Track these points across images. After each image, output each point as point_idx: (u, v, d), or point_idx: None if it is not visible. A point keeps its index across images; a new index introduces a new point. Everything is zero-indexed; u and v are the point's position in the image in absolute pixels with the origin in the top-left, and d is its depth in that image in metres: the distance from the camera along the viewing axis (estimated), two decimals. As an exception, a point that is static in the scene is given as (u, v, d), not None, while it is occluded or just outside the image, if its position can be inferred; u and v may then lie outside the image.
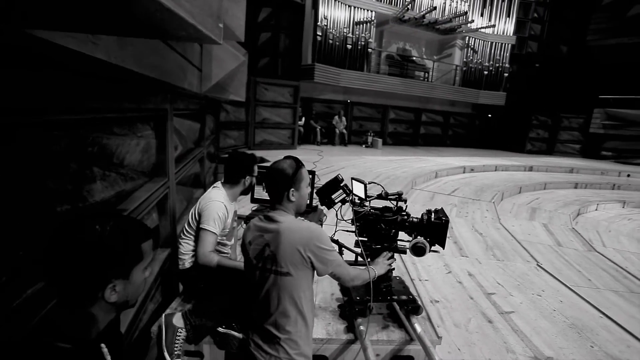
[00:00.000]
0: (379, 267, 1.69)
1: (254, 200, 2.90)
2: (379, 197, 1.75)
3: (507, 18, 13.95)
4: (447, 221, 1.61)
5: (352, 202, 1.77)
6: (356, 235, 1.73)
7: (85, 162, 1.34)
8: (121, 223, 0.79)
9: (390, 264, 1.77)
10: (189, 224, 2.09)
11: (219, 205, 1.98)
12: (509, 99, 14.08)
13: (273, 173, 1.46)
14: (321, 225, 3.20)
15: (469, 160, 9.74)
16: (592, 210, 7.28)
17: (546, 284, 3.17)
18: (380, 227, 1.72)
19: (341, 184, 1.75)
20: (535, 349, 2.19)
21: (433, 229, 1.63)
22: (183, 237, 2.05)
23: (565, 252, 4.28)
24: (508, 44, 13.93)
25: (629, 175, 10.54)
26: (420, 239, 1.63)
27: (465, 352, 2.10)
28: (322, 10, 10.60)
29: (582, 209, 6.97)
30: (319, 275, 1.41)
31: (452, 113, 14.57)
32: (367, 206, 1.76)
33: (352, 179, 1.79)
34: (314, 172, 2.99)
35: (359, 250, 1.74)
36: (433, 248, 1.66)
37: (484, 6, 13.65)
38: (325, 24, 10.74)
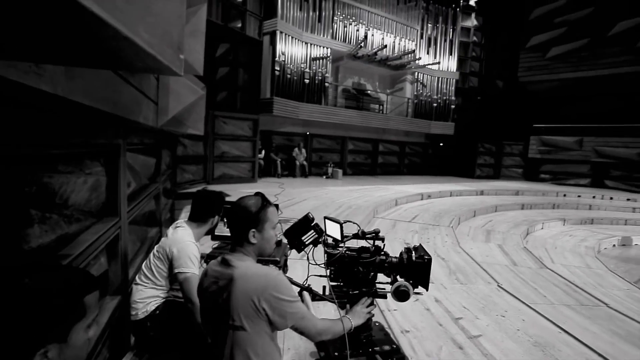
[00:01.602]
0: (356, 317, 1.50)
1: (214, 237, 2.76)
2: (355, 236, 1.60)
3: (450, 56, 15.32)
4: (430, 260, 1.50)
5: (325, 244, 1.60)
6: (329, 281, 1.58)
7: (21, 204, 1.19)
8: (58, 274, 0.66)
9: (370, 312, 1.57)
10: (149, 270, 1.93)
11: (192, 246, 1.88)
12: (457, 128, 15.17)
13: (235, 210, 1.34)
14: (285, 260, 3.10)
15: (425, 187, 10.17)
16: (538, 229, 7.81)
17: (508, 304, 3.27)
18: (358, 270, 1.56)
19: (312, 224, 1.58)
20: (506, 372, 2.21)
21: (415, 269, 1.50)
22: (140, 283, 1.87)
23: (521, 271, 4.48)
24: (452, 79, 15.20)
25: (565, 195, 11.55)
26: (402, 281, 1.49)
27: (439, 382, 2.05)
28: (279, 47, 10.95)
29: (530, 228, 7.44)
30: (277, 329, 1.26)
31: (407, 143, 15.32)
32: (341, 247, 1.58)
33: (325, 218, 1.62)
34: (277, 205, 2.93)
35: (332, 300, 1.59)
36: (416, 290, 1.52)
37: (429, 45, 14.93)
38: (283, 59, 11.07)
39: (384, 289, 1.61)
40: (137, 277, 1.96)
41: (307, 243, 1.57)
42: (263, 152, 11.00)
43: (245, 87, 10.93)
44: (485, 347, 2.46)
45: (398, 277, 1.53)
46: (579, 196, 11.55)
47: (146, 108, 2.53)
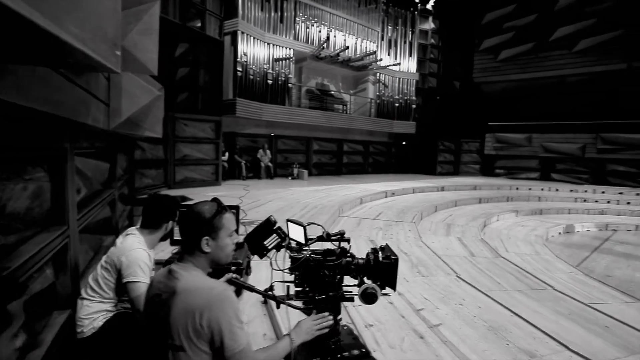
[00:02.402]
0: (301, 334, 1.37)
1: (174, 242, 2.67)
2: (320, 239, 1.53)
3: (410, 57, 15.85)
4: (396, 260, 1.46)
5: (289, 248, 1.53)
6: (294, 286, 1.52)
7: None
8: None
9: (321, 327, 1.43)
10: (96, 282, 1.83)
11: (142, 253, 1.78)
12: (419, 127, 15.72)
13: (187, 216, 1.26)
14: (249, 262, 3.06)
15: (389, 185, 10.44)
16: (494, 221, 8.26)
17: (466, 293, 3.44)
18: (324, 273, 1.48)
19: (274, 227, 1.50)
20: (463, 356, 2.33)
21: (382, 270, 1.45)
22: (86, 297, 1.77)
23: (478, 261, 4.73)
24: (413, 80, 15.74)
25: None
26: (369, 283, 1.44)
27: (401, 371, 2.12)
28: (241, 47, 10.79)
29: (487, 220, 7.86)
30: (220, 356, 1.12)
31: (371, 142, 15.64)
32: (306, 251, 1.51)
33: (288, 220, 1.55)
34: (238, 207, 2.89)
35: (299, 304, 1.53)
36: (384, 291, 1.47)
37: (389, 47, 15.35)
38: (245, 60, 10.92)
39: (351, 291, 1.55)
40: (82, 291, 1.85)
41: (269, 248, 1.50)
42: (227, 154, 10.79)
43: (207, 88, 10.66)
44: (444, 335, 2.58)
45: (365, 279, 1.48)
46: (529, 189, 12.36)
47: (96, 109, 2.40)
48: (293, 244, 1.56)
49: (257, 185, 9.68)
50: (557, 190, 12.39)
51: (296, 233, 1.51)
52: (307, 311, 1.51)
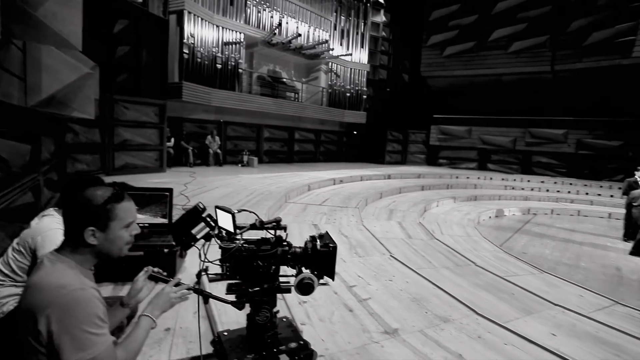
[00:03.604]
0: (156, 307, 1.26)
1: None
2: (253, 227, 1.43)
3: (362, 48, 16.14)
4: (335, 248, 1.40)
5: (219, 237, 1.42)
6: (226, 279, 1.41)
7: None
8: None
9: (180, 295, 1.33)
10: (6, 265, 1.74)
11: (60, 233, 1.71)
12: (369, 117, 16.18)
13: (72, 200, 1.10)
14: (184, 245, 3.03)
15: (338, 173, 10.71)
16: (434, 207, 8.86)
17: (397, 270, 3.72)
18: (257, 264, 1.40)
19: (203, 215, 1.39)
20: (386, 325, 2.55)
21: (320, 259, 1.40)
22: None
23: (414, 243, 5.09)
24: (364, 71, 16.08)
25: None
26: (306, 273, 1.38)
27: (328, 341, 2.28)
28: (188, 28, 10.29)
29: (427, 206, 8.41)
30: None
31: (322, 131, 15.82)
32: (238, 240, 1.41)
33: (217, 207, 1.43)
34: (171, 190, 2.85)
35: (230, 298, 1.42)
36: (322, 281, 1.42)
37: (342, 37, 15.50)
38: (192, 42, 10.45)
39: (288, 282, 1.47)
40: None
41: (198, 238, 1.39)
42: (172, 140, 10.34)
43: (150, 69, 10.03)
44: (372, 307, 2.79)
45: (303, 268, 1.42)
46: (467, 178, 13.35)
47: (6, 84, 2.22)
48: (224, 234, 1.45)
49: (205, 172, 9.43)
50: (491, 179, 13.52)
51: (225, 221, 1.40)
52: (239, 305, 1.41)
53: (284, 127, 14.20)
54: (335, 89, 15.16)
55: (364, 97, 16.08)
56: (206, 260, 1.36)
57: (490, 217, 9.15)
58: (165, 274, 1.45)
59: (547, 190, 12.48)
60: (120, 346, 1.11)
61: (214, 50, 11.05)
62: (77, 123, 6.85)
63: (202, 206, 1.40)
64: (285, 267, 1.47)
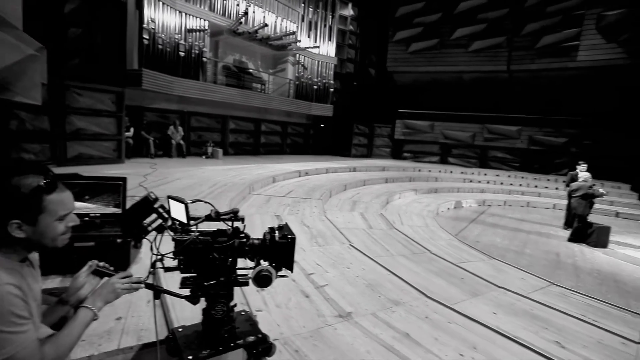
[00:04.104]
0: (100, 298, 1.20)
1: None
2: (208, 218, 1.37)
3: (329, 41, 16.17)
4: (294, 239, 1.38)
5: (172, 229, 1.36)
6: (180, 272, 1.35)
7: None
8: None
9: (128, 286, 1.28)
10: None
11: None
12: (336, 110, 16.31)
13: None
14: (138, 235, 2.97)
15: (304, 165, 10.76)
16: (396, 198, 9.16)
17: (355, 258, 3.85)
18: (213, 257, 1.35)
19: (155, 206, 1.33)
20: (340, 309, 2.66)
21: (279, 250, 1.37)
22: None
23: (374, 233, 5.27)
24: (332, 64, 16.14)
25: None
26: (263, 265, 1.35)
27: (283, 326, 2.35)
28: (147, 12, 9.84)
29: (389, 198, 8.68)
30: None
31: (289, 123, 15.77)
32: (193, 232, 1.35)
33: (169, 197, 1.36)
34: (125, 179, 2.78)
35: (185, 292, 1.37)
36: (280, 273, 1.40)
37: (309, 29, 15.44)
38: (153, 27, 10.00)
39: (246, 275, 1.43)
40: None
41: (149, 230, 1.33)
42: (132, 130, 9.90)
43: (106, 54, 9.50)
44: (328, 293, 2.90)
45: (262, 260, 1.39)
46: (429, 171, 13.88)
47: None
48: (177, 225, 1.38)
49: (167, 164, 9.14)
50: (451, 172, 14.15)
51: (178, 212, 1.34)
52: (193, 300, 1.37)
53: (250, 118, 14.00)
54: (303, 81, 15.13)
55: (331, 90, 16.17)
56: (158, 254, 1.31)
57: (448, 208, 9.62)
58: (112, 268, 1.35)
59: (502, 183, 13.27)
60: (49, 341, 1.04)
61: (176, 37, 10.65)
62: (22, 109, 6.39)
63: (153, 196, 1.34)
64: (243, 259, 1.43)
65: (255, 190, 6.83)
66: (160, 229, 1.34)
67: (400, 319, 2.62)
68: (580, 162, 8.31)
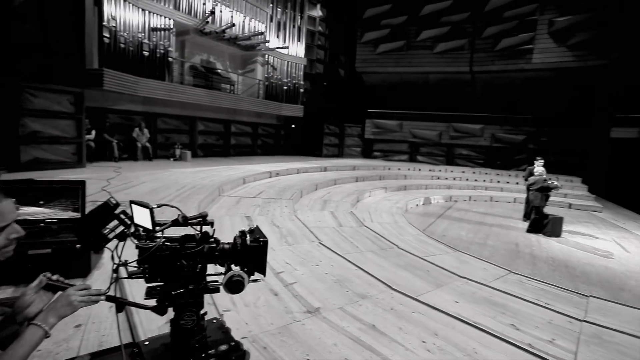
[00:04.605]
0: (52, 314, 1.09)
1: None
2: (175, 223, 1.32)
3: (298, 42, 16.20)
4: (266, 242, 1.34)
5: (136, 236, 1.29)
6: (146, 281, 1.27)
7: None
8: None
9: (87, 298, 1.17)
10: None
11: None
12: (306, 111, 16.38)
13: None
14: (101, 239, 2.87)
15: (275, 166, 10.74)
16: (367, 197, 9.34)
17: (324, 255, 3.92)
18: (181, 263, 1.29)
19: (116, 212, 1.25)
20: (309, 305, 2.71)
21: (250, 255, 1.32)
22: None
23: (344, 230, 5.37)
24: (301, 64, 16.19)
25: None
26: (235, 270, 1.29)
27: (251, 324, 2.37)
28: (108, 9, 9.45)
29: (360, 196, 8.83)
30: None
31: (260, 124, 15.66)
32: (159, 238, 1.29)
33: (131, 202, 1.27)
34: (83, 182, 2.69)
35: (151, 303, 1.29)
36: (253, 277, 1.35)
37: (278, 29, 15.40)
38: (114, 25, 9.62)
39: (216, 281, 1.37)
40: None
41: (110, 238, 1.25)
42: (94, 132, 9.47)
43: (63, 53, 9.03)
44: (296, 290, 2.94)
45: (233, 265, 1.33)
46: (399, 169, 14.24)
47: None
48: (141, 232, 1.31)
49: (132, 167, 8.83)
50: (419, 170, 14.58)
51: (142, 218, 1.26)
52: (160, 311, 1.29)
53: (219, 119, 13.77)
54: (272, 82, 15.07)
55: (301, 90, 16.22)
56: (120, 263, 1.22)
57: (417, 204, 9.92)
58: (66, 281, 1.23)
59: (467, 180, 13.84)
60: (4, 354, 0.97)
61: (139, 36, 10.30)
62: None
63: (113, 201, 1.27)
64: (213, 265, 1.37)
65: (225, 192, 6.75)
66: (122, 237, 1.26)
67: (366, 311, 2.70)
68: (537, 158, 8.82)
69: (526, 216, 8.60)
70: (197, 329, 1.34)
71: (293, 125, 17.28)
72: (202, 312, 1.37)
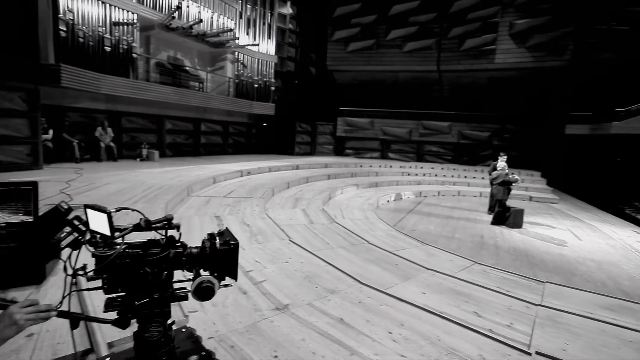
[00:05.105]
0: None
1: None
2: (137, 228, 1.23)
3: (269, 39, 16.04)
4: (237, 245, 1.27)
5: (92, 243, 1.17)
6: (105, 293, 1.18)
7: None
8: None
9: (34, 315, 1.06)
10: None
11: None
12: (278, 109, 16.27)
13: None
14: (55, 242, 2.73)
15: (246, 164, 10.60)
16: (338, 194, 9.42)
17: (294, 253, 3.92)
18: (145, 271, 1.21)
19: (68, 217, 1.14)
20: (277, 302, 2.70)
21: (220, 258, 1.25)
22: None
23: (315, 227, 5.39)
24: (272, 62, 16.04)
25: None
26: (204, 276, 1.22)
27: (219, 323, 2.34)
28: (63, 1, 8.94)
29: (332, 194, 8.90)
30: None
31: (230, 122, 15.39)
32: (119, 245, 1.19)
33: (86, 207, 1.17)
34: (35, 183, 2.55)
35: (112, 316, 1.20)
36: (224, 282, 1.28)
37: (248, 26, 15.17)
38: (71, 17, 9.12)
39: (185, 287, 1.29)
40: None
41: (63, 246, 1.16)
42: (51, 132, 8.96)
43: (13, 47, 8.47)
44: (266, 288, 2.92)
45: (202, 270, 1.26)
46: (370, 166, 14.45)
47: None
48: (98, 239, 1.20)
49: (96, 168, 8.43)
50: (390, 166, 14.88)
51: (99, 223, 1.16)
52: (122, 324, 1.20)
53: (188, 118, 13.41)
54: (243, 80, 14.84)
55: (272, 88, 16.08)
56: (73, 273, 1.10)
57: (388, 201, 10.12)
58: (10, 297, 1.11)
59: (436, 175, 14.27)
60: None
61: (100, 30, 9.82)
62: None
63: (65, 206, 1.15)
64: (181, 271, 1.28)
65: (195, 192, 6.59)
66: (76, 245, 1.14)
67: (335, 306, 2.74)
68: (501, 154, 9.23)
69: (491, 209, 8.99)
70: (164, 341, 1.26)
71: (265, 124, 17.12)
72: (169, 321, 1.28)
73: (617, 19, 13.51)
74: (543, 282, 4.13)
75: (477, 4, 15.24)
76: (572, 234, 7.76)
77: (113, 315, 1.19)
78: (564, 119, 14.29)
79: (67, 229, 1.14)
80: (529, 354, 2.32)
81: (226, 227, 1.40)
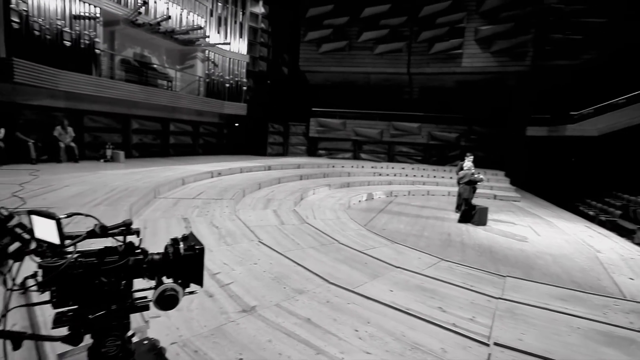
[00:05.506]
0: None
1: None
2: (92, 235, 1.13)
3: (240, 38, 15.81)
4: (202, 250, 1.22)
5: (39, 253, 1.07)
6: (54, 307, 1.08)
7: None
8: None
9: None
10: None
11: None
12: (250, 109, 16.07)
13: None
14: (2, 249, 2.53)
15: (217, 165, 10.40)
16: (310, 194, 9.43)
17: (263, 254, 3.89)
18: (100, 281, 1.13)
19: (9, 225, 1.05)
20: (245, 304, 2.67)
21: (184, 265, 1.19)
22: None
23: (286, 228, 5.37)
24: (244, 61, 15.82)
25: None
26: (167, 284, 1.16)
27: (183, 328, 2.28)
28: (16, -8, 8.40)
29: (303, 194, 8.89)
30: None
31: (201, 122, 15.04)
32: (70, 254, 1.09)
33: (30, 213, 1.07)
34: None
35: (58, 336, 1.10)
36: (188, 289, 1.23)
37: (219, 24, 14.88)
38: (25, 8, 8.58)
39: (146, 297, 1.23)
40: None
41: (2, 257, 1.04)
42: (3, 130, 8.40)
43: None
44: (233, 290, 2.88)
45: (165, 278, 1.20)
46: (342, 166, 14.58)
47: None
48: (45, 248, 1.10)
49: (54, 170, 7.97)
50: (362, 167, 15.08)
51: (46, 231, 1.06)
52: (74, 340, 1.11)
53: (156, 117, 12.97)
54: (214, 79, 14.54)
55: (244, 88, 15.87)
56: (15, 289, 1.01)
57: (360, 201, 10.24)
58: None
59: (407, 175, 14.62)
60: None
61: (59, 23, 9.31)
62: None
63: (4, 213, 1.06)
64: (141, 279, 1.21)
65: (162, 194, 6.39)
66: (19, 255, 1.04)
67: (303, 306, 2.74)
68: (467, 154, 9.58)
69: (458, 208, 9.31)
70: (122, 355, 1.18)
71: (237, 124, 16.85)
72: (128, 334, 1.21)
73: (572, 28, 14.42)
74: (504, 276, 4.32)
75: (445, 9, 15.75)
76: (532, 230, 8.18)
77: (64, 331, 1.10)
78: (525, 121, 15.07)
79: (8, 238, 1.02)
80: (487, 345, 2.42)
81: (191, 232, 1.33)
